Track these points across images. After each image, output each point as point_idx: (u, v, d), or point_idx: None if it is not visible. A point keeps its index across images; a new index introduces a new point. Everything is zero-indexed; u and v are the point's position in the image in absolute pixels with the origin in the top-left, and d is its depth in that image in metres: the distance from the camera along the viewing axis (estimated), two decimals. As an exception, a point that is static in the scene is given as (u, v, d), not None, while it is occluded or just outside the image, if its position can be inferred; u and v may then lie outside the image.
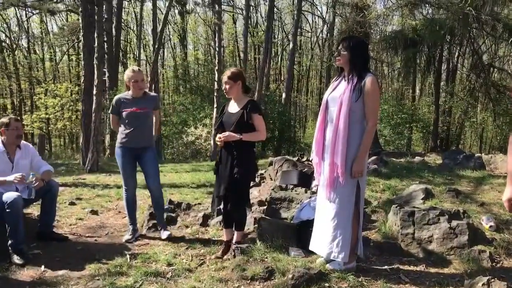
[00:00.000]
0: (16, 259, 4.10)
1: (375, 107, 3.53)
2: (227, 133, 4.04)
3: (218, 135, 4.14)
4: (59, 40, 26.64)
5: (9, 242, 4.16)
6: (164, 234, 4.80)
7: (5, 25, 32.01)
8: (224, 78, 4.19)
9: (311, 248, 3.88)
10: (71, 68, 33.38)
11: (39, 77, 31.68)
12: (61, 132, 31.32)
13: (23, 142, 4.73)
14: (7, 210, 4.14)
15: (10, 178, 4.35)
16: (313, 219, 4.41)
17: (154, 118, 4.90)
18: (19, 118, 4.83)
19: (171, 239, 4.77)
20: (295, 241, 4.41)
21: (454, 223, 4.21)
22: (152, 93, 5.11)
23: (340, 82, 3.67)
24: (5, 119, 4.56)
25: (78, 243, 4.76)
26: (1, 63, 32.54)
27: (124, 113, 4.73)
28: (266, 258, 3.94)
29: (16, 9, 29.21)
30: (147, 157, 4.79)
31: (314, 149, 3.77)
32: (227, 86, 4.17)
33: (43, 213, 4.71)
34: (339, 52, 3.60)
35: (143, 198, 7.06)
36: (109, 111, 5.12)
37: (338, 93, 3.57)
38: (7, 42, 32.55)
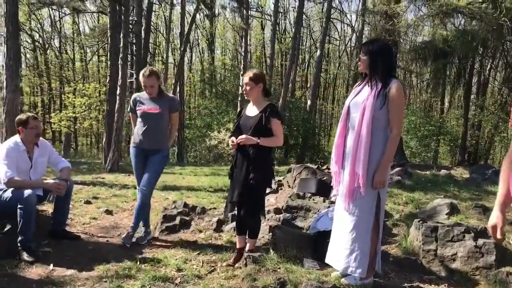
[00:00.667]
0: (26, 256, 4.05)
1: (400, 114, 3.32)
2: (244, 136, 3.90)
3: (232, 138, 4.00)
4: (89, 41, 27.07)
5: (19, 238, 4.11)
6: (140, 239, 4.73)
7: (38, 25, 32.81)
8: (245, 79, 4.04)
9: (327, 261, 3.69)
10: (100, 68, 33.93)
11: (69, 77, 32.29)
12: (87, 131, 31.83)
13: (41, 139, 4.70)
14: (20, 206, 4.10)
15: (48, 182, 4.35)
16: (330, 230, 4.24)
17: (171, 120, 4.78)
18: (37, 116, 4.77)
19: (183, 244, 4.66)
20: (311, 252, 4.23)
21: (481, 241, 3.96)
22: (170, 95, 4.98)
23: (363, 87, 3.49)
24: (23, 117, 4.53)
25: (90, 243, 4.69)
26: (33, 62, 33.40)
27: (138, 112, 4.66)
28: (279, 268, 3.78)
29: (50, 9, 29.92)
30: (152, 161, 4.67)
31: (334, 157, 3.57)
32: (248, 88, 4.02)
33: (56, 211, 4.66)
34: (359, 57, 3.48)
35: (159, 199, 7.00)
36: (128, 110, 5.07)
37: (361, 98, 3.38)
38: (40, 41, 33.33)
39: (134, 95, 4.81)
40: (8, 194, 4.23)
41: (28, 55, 34.93)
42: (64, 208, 4.68)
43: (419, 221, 4.43)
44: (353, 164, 3.34)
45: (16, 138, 4.51)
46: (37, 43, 33.37)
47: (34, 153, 4.58)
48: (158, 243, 4.79)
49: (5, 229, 4.40)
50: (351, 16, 36.34)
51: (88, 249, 4.48)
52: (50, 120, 27.98)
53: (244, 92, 4.09)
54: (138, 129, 4.68)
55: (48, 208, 5.38)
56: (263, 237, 4.66)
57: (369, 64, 3.37)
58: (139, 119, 4.66)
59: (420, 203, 5.76)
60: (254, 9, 31.07)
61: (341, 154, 3.49)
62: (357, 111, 3.36)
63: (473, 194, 6.42)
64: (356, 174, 3.31)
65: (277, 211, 5.27)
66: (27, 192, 4.13)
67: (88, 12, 30.58)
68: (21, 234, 4.11)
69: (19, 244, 4.10)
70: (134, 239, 4.72)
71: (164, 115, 4.67)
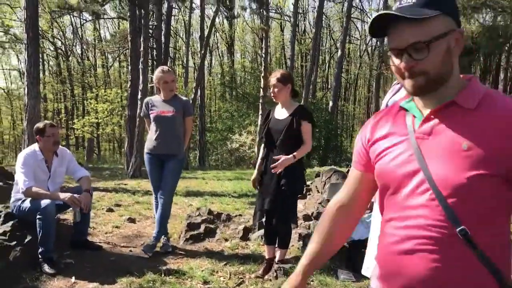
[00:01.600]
0: (47, 268, 3.88)
1: None
2: (280, 160, 3.60)
3: (273, 165, 3.65)
4: (110, 47, 27.28)
5: (40, 250, 3.95)
6: (165, 247, 4.56)
7: (60, 33, 33.29)
8: (273, 80, 3.76)
9: (363, 272, 3.41)
10: (121, 74, 34.23)
11: (91, 83, 32.65)
12: (110, 137, 32.09)
13: (60, 148, 4.54)
14: (39, 217, 3.94)
15: (65, 196, 4.14)
16: (366, 239, 3.96)
17: (184, 125, 4.58)
18: (55, 123, 4.60)
19: (208, 253, 4.44)
20: (345, 263, 3.97)
21: None
22: (184, 97, 4.77)
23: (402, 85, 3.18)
24: (40, 125, 4.37)
25: (112, 254, 4.51)
26: (56, 69, 33.89)
27: (151, 116, 4.46)
28: (312, 281, 3.54)
29: (71, 16, 30.30)
30: (169, 167, 4.47)
31: None
32: (276, 90, 3.75)
33: (77, 222, 4.48)
34: None
35: (183, 206, 6.81)
36: (141, 115, 4.88)
37: (399, 97, 3.10)
38: (62, 48, 33.80)
39: (147, 99, 4.62)
40: (26, 204, 4.09)
41: (51, 62, 35.55)
42: (86, 218, 4.49)
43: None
44: None
45: (35, 146, 4.36)
46: (59, 50, 33.87)
47: (53, 163, 4.41)
48: (182, 252, 4.59)
49: (26, 241, 4.24)
50: (371, 14, 35.75)
51: (111, 260, 4.30)
52: (73, 126, 28.27)
53: (272, 95, 3.82)
54: (151, 134, 4.49)
55: (69, 216, 5.24)
56: (292, 246, 4.42)
57: None
58: (152, 123, 4.47)
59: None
60: (274, 10, 30.91)
61: None
62: None
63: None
64: None
65: (307, 217, 5.01)
66: (45, 202, 3.97)
67: (109, 18, 30.96)
68: (41, 245, 3.95)
69: (39, 256, 3.94)
70: (158, 248, 4.54)
71: (178, 118, 4.47)
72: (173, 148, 4.48)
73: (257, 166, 4.00)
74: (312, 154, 21.26)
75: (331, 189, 5.13)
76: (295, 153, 3.62)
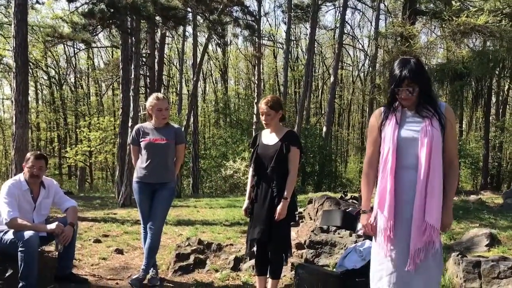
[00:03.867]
0: (28, 304, 3.70)
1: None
2: (278, 210, 3.53)
3: (277, 218, 3.57)
4: (103, 75, 27.35)
5: (20, 284, 3.77)
6: (153, 281, 4.37)
7: (54, 62, 33.39)
8: (264, 107, 3.64)
9: None
10: (115, 102, 34.21)
11: (84, 111, 32.60)
12: (103, 165, 31.82)
13: (47, 179, 4.39)
14: (21, 249, 3.78)
15: (51, 227, 4.02)
16: (360, 268, 3.83)
17: (176, 153, 4.46)
18: (44, 155, 4.42)
19: (198, 285, 4.28)
20: (339, 293, 3.81)
21: (532, 278, 3.50)
22: (176, 125, 4.67)
23: (412, 116, 2.70)
24: (28, 154, 4.26)
25: (98, 287, 4.33)
26: (49, 98, 33.85)
27: (142, 143, 4.34)
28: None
29: (65, 46, 30.45)
30: (160, 196, 4.33)
31: (386, 207, 2.67)
32: (269, 117, 3.65)
33: (61, 256, 4.29)
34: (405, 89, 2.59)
35: (172, 236, 6.64)
36: (129, 141, 4.76)
37: (418, 128, 2.64)
38: (56, 77, 33.86)
39: (137, 126, 4.51)
40: (9, 236, 3.93)
41: (44, 91, 35.56)
42: (70, 252, 4.31)
43: (458, 255, 3.98)
44: (421, 213, 2.51)
45: (20, 176, 4.23)
46: (53, 79, 33.91)
47: (40, 195, 4.26)
48: (171, 285, 4.42)
49: (6, 274, 4.07)
50: (363, 41, 36.26)
51: (96, 294, 4.12)
52: (66, 155, 28.07)
53: (264, 122, 3.71)
54: (142, 161, 4.36)
55: (54, 248, 5.05)
56: (284, 276, 4.26)
57: (419, 89, 2.57)
58: (143, 151, 4.35)
59: (453, 233, 5.30)
60: (266, 38, 31.25)
61: (393, 201, 2.60)
62: (416, 144, 2.54)
63: (511, 221, 5.92)
64: (429, 226, 2.50)
65: (299, 246, 4.87)
66: (29, 233, 3.82)
67: (102, 47, 31.16)
68: (22, 279, 3.78)
69: (20, 291, 3.76)
70: (145, 281, 4.36)
71: (171, 146, 4.36)
72: (165, 176, 4.36)
73: (247, 195, 3.88)
74: (307, 180, 21.12)
75: (324, 216, 5.00)
76: (285, 195, 3.55)
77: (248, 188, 3.90)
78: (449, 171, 2.60)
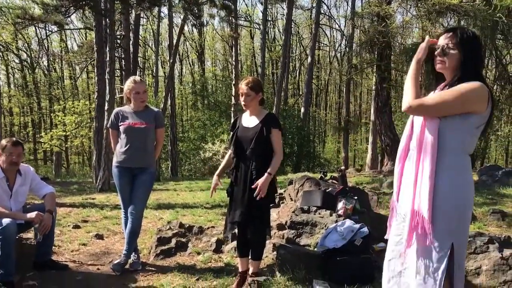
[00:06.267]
0: (7, 292, 3.65)
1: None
2: (259, 183, 3.47)
3: (256, 193, 3.49)
4: (77, 58, 26.73)
5: (-2, 272, 3.71)
6: (135, 265, 4.38)
7: (26, 45, 32.46)
8: (244, 88, 3.61)
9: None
10: (89, 85, 33.58)
11: (58, 95, 31.91)
12: (79, 150, 31.37)
13: (23, 166, 4.30)
14: (-2, 237, 3.71)
15: (31, 215, 3.97)
16: (341, 247, 3.89)
17: (156, 137, 4.43)
18: (20, 141, 4.33)
19: (180, 268, 4.28)
20: (320, 272, 3.86)
21: (507, 252, 3.61)
22: (155, 108, 4.61)
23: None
24: (4, 142, 4.14)
25: (79, 273, 4.30)
26: (22, 82, 32.99)
27: (121, 127, 4.28)
28: (287, 293, 3.42)
29: (36, 28, 29.59)
30: (140, 180, 4.31)
31: (394, 188, 2.52)
32: (248, 98, 3.62)
33: (40, 243, 4.23)
34: (443, 50, 2.32)
35: (153, 220, 6.61)
36: (108, 125, 4.68)
37: None
38: (28, 61, 32.95)
39: (116, 109, 4.44)
40: (-15, 224, 3.84)
41: (16, 75, 34.62)
42: (48, 238, 4.25)
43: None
44: (413, 200, 2.30)
45: None
46: (24, 63, 33.01)
47: (16, 182, 4.17)
48: (153, 268, 4.41)
49: (-16, 263, 4.00)
50: (339, 21, 36.21)
51: (77, 280, 4.09)
52: (41, 140, 27.53)
53: (243, 103, 3.68)
54: (121, 146, 4.31)
55: (32, 235, 4.98)
56: (266, 256, 4.30)
57: (461, 60, 2.28)
58: (122, 135, 4.29)
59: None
60: (243, 18, 30.94)
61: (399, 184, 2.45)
62: (419, 127, 2.33)
63: (486, 198, 6.08)
64: (419, 215, 2.26)
65: (280, 227, 4.90)
66: (5, 221, 3.75)
67: (75, 29, 30.37)
68: (0, 267, 3.71)
69: (-2, 279, 3.71)
70: (127, 266, 4.34)
71: (151, 130, 4.32)
72: (145, 160, 4.32)
73: (219, 169, 3.90)
74: (286, 161, 21.24)
75: (305, 197, 5.04)
76: (269, 170, 3.52)
77: (222, 164, 3.95)
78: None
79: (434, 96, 2.25)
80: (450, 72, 2.33)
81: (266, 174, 3.50)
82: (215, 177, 3.88)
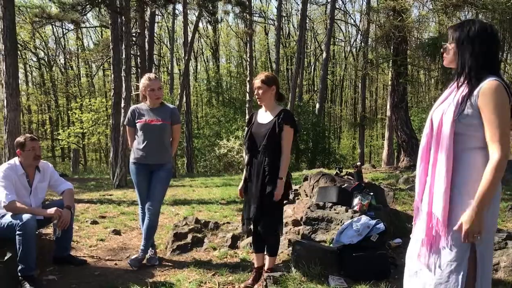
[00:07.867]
0: (28, 286, 3.73)
1: (502, 126, 2.05)
2: (275, 191, 3.53)
3: (275, 199, 3.57)
4: (93, 56, 27.02)
5: (19, 267, 3.79)
6: (152, 260, 4.44)
7: (43, 43, 32.91)
8: (257, 82, 3.64)
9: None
10: (106, 83, 33.91)
11: (75, 93, 32.29)
12: (96, 146, 31.73)
13: (42, 162, 4.38)
14: (19, 233, 3.78)
15: (51, 211, 4.04)
16: (356, 244, 3.88)
17: (172, 133, 4.47)
18: (36, 137, 4.44)
19: (196, 264, 4.32)
20: (336, 268, 3.86)
21: (525, 248, 3.56)
22: (171, 105, 4.65)
23: (452, 90, 2.30)
24: (21, 139, 4.22)
25: (97, 268, 4.37)
26: (40, 80, 33.46)
27: (138, 125, 4.33)
28: (303, 289, 3.42)
29: (53, 26, 29.95)
30: (158, 177, 4.35)
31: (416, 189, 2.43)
32: (260, 91, 3.63)
33: (59, 238, 4.31)
34: (443, 46, 2.34)
35: (169, 216, 6.67)
36: (125, 123, 4.72)
37: (444, 107, 2.27)
38: (45, 59, 33.42)
39: (133, 107, 4.49)
40: (6, 219, 3.92)
41: (34, 73, 35.11)
42: (67, 233, 4.34)
43: (452, 228, 4.03)
44: (430, 201, 2.23)
45: (16, 160, 4.21)
46: (42, 61, 33.47)
47: (35, 178, 4.26)
48: (169, 264, 4.46)
49: (5, 258, 4.08)
50: (355, 16, 35.98)
51: (95, 275, 4.16)
52: (58, 137, 27.90)
53: (257, 97, 3.70)
54: (138, 143, 4.36)
55: (52, 231, 5.07)
56: (282, 252, 4.32)
57: (458, 55, 2.25)
58: (139, 132, 4.34)
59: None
60: (257, 14, 30.88)
61: (423, 185, 2.35)
62: (436, 126, 2.26)
63: (504, 194, 5.98)
64: (434, 216, 2.19)
65: (296, 223, 4.91)
66: (26, 216, 3.82)
67: (91, 27, 30.68)
68: (21, 262, 3.79)
69: (19, 274, 3.78)
70: (144, 261, 4.40)
71: (167, 127, 4.36)
72: (162, 157, 4.36)
73: (243, 175, 3.91)
74: (301, 157, 21.21)
75: (320, 193, 5.04)
76: (280, 175, 3.54)
77: (244, 167, 3.93)
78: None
79: (491, 130, 2.08)
80: (453, 66, 2.31)
81: (278, 180, 3.53)
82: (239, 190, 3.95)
